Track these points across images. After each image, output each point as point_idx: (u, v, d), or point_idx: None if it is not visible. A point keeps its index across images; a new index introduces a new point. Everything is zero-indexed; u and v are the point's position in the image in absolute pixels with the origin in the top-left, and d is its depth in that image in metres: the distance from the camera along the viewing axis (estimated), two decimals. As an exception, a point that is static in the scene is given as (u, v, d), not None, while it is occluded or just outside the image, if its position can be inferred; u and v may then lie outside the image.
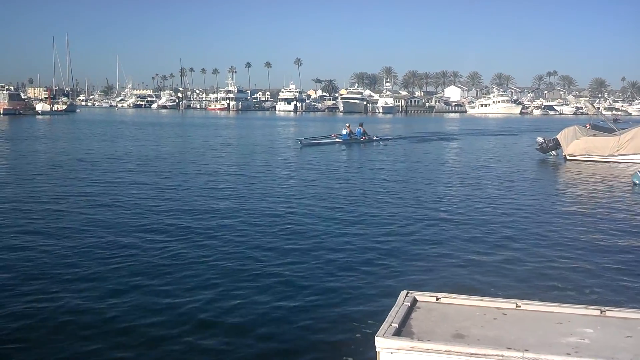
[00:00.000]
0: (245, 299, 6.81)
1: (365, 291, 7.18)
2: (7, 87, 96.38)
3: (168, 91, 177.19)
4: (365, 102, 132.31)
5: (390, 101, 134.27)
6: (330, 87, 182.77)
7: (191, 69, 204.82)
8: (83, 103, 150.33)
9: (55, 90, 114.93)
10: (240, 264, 8.25)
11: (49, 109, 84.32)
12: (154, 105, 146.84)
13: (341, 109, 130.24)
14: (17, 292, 6.92)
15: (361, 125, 33.58)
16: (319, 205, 12.92)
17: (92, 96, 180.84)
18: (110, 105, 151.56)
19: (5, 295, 6.83)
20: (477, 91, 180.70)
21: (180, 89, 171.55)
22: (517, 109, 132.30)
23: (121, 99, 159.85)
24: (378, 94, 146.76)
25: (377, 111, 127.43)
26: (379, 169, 20.89)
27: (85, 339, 5.66)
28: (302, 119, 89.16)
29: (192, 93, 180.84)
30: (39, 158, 23.50)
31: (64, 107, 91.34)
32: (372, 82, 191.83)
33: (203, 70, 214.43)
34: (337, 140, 31.82)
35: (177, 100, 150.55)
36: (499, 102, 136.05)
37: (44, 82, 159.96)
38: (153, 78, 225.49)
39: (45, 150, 27.22)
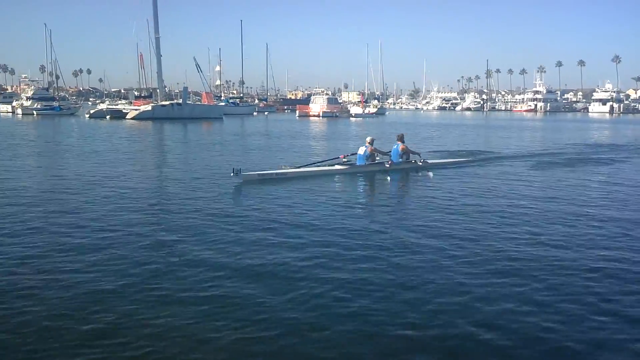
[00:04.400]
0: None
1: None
2: (325, 92, 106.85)
3: (473, 93, 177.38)
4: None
5: None
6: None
7: (497, 70, 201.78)
8: (391, 106, 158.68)
9: (367, 94, 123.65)
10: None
11: (361, 112, 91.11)
12: (458, 108, 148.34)
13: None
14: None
15: (401, 139, 19.14)
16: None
17: (400, 99, 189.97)
18: (416, 108, 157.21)
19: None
20: None
21: (485, 90, 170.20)
22: None
23: (426, 102, 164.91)
24: None
25: None
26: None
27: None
28: (618, 121, 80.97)
29: (497, 94, 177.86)
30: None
31: (375, 110, 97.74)
32: None
33: (510, 71, 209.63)
34: (336, 167, 17.63)
35: (481, 102, 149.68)
36: None
37: (357, 86, 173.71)
38: (458, 80, 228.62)
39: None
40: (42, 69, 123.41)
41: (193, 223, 10.13)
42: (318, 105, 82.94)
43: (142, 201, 12.45)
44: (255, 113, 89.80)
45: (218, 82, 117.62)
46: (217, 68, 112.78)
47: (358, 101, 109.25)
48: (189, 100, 73.70)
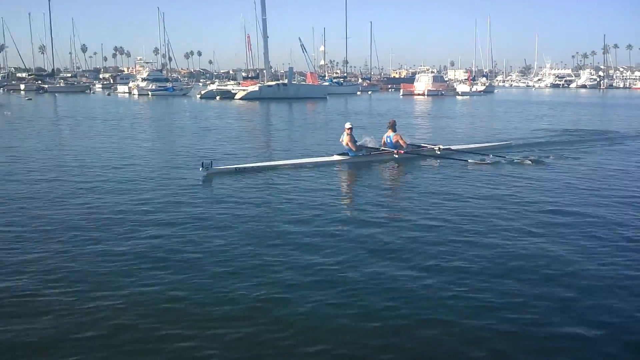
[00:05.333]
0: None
1: None
2: (431, 70, 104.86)
3: (588, 70, 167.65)
4: None
5: None
6: None
7: (615, 46, 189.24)
8: (501, 84, 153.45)
9: (475, 71, 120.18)
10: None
11: (468, 90, 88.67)
12: (573, 85, 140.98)
13: None
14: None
15: (392, 126, 15.64)
16: None
17: (510, 77, 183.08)
18: (527, 86, 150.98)
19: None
20: None
21: (602, 67, 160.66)
22: None
23: (538, 79, 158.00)
24: None
25: None
26: None
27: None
28: None
29: (614, 71, 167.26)
30: (460, 134, 24.75)
31: (483, 87, 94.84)
32: None
33: (629, 47, 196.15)
34: (334, 158, 15.01)
35: (597, 80, 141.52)
36: None
37: (464, 64, 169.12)
38: (573, 57, 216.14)
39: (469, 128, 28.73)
40: (156, 51, 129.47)
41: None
42: (423, 84, 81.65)
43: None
44: (358, 92, 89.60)
45: (322, 62, 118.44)
46: (322, 48, 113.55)
47: (465, 79, 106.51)
48: (294, 81, 74.69)
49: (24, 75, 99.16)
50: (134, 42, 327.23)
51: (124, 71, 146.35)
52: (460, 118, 36.69)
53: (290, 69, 75.72)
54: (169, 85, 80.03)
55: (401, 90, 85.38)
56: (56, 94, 76.02)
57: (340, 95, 76.12)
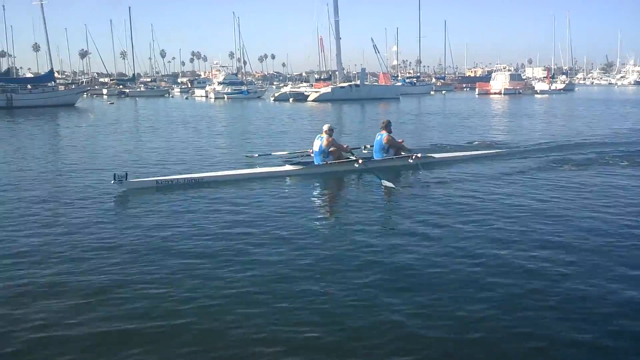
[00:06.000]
0: None
1: None
2: (507, 69, 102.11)
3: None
4: None
5: None
6: None
7: None
8: (581, 81, 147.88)
9: (554, 69, 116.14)
10: None
11: (547, 88, 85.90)
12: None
13: None
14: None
15: (385, 126, 14.11)
16: None
17: (591, 74, 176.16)
18: (609, 84, 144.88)
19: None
20: None
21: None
22: None
23: (621, 77, 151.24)
24: None
25: None
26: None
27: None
28: None
29: None
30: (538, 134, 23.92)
31: (562, 85, 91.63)
32: None
33: None
34: (286, 168, 13.27)
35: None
36: None
37: (542, 62, 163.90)
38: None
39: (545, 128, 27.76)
40: (231, 55, 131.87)
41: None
42: (499, 82, 79.65)
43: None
44: (432, 92, 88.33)
45: (395, 62, 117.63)
46: (394, 48, 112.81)
47: (543, 77, 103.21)
48: (367, 81, 74.39)
49: (106, 80, 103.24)
50: (210, 47, 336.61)
51: (200, 75, 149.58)
52: (538, 117, 35.50)
53: (363, 69, 75.46)
54: (243, 88, 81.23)
55: (477, 90, 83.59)
56: (137, 98, 78.79)
57: (413, 96, 75.22)
